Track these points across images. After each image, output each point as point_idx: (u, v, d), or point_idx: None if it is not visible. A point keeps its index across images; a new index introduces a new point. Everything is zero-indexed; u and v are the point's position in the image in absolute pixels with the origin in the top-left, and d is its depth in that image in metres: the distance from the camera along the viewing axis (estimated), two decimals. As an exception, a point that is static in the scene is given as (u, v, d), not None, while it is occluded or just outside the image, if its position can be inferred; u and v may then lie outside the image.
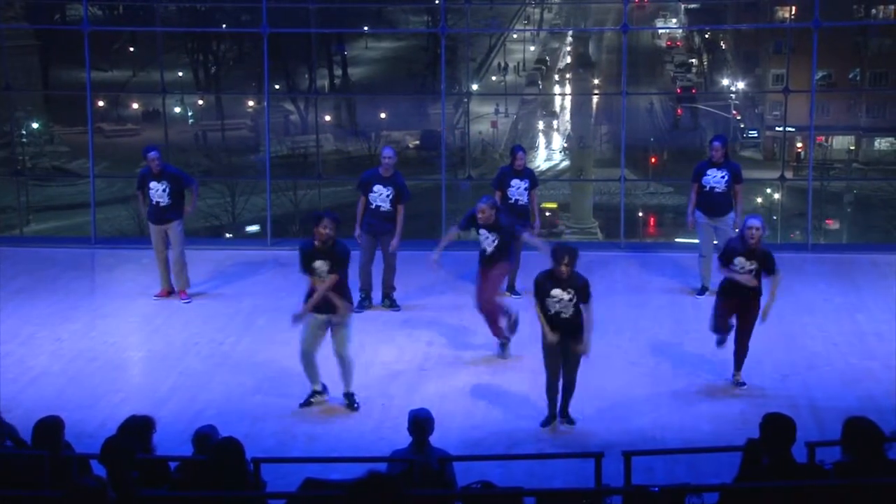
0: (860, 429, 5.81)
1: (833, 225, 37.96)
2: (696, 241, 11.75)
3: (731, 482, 6.05)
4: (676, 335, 10.45)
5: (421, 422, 6.95)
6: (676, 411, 8.96)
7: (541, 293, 8.52)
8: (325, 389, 9.16)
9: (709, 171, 11.24)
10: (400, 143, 42.94)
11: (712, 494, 5.98)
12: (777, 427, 5.88)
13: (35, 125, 40.87)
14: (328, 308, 8.81)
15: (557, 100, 54.56)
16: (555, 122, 52.13)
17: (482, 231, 9.92)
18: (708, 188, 11.24)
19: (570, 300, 8.47)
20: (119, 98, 45.97)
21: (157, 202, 11.49)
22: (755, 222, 9.03)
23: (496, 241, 9.90)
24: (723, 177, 11.22)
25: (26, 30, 36.48)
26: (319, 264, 8.73)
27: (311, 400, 9.12)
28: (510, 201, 11.40)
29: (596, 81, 51.04)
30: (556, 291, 8.47)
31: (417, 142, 45.00)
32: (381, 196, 11.05)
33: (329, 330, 8.93)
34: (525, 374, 9.64)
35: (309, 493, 6.33)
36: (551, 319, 8.50)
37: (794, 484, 5.74)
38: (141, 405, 8.44)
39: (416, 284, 11.72)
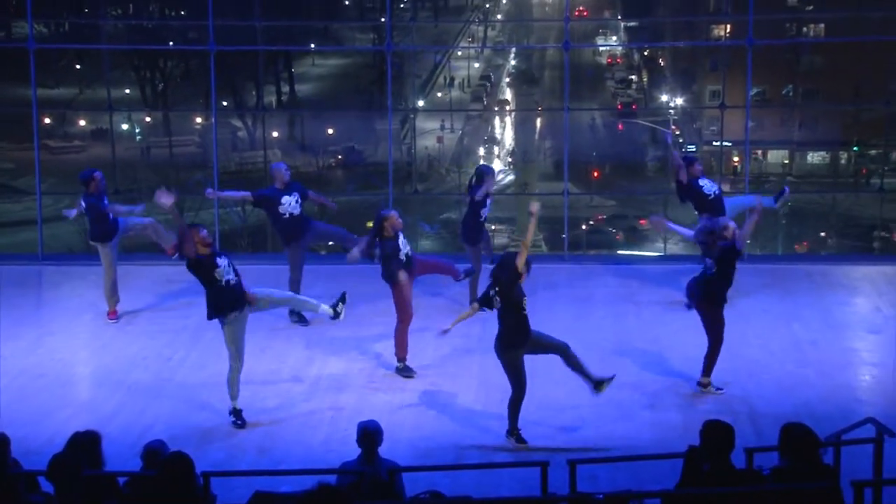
0: (796, 434, 5.98)
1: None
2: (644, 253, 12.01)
3: (673, 488, 6.21)
4: (619, 345, 10.63)
5: (370, 433, 7.01)
6: (619, 420, 9.13)
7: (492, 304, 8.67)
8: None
9: (702, 182, 11.61)
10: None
11: (654, 501, 6.13)
12: (717, 434, 6.04)
13: (-21, 142, 40.24)
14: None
15: (498, 125, 54.87)
16: (496, 149, 52.35)
17: (401, 241, 10.08)
18: (713, 196, 11.62)
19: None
20: (65, 115, 45.38)
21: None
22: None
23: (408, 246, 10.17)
24: (713, 183, 11.82)
25: (-30, 47, 35.97)
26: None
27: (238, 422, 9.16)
28: (481, 219, 11.55)
29: (539, 109, 51.39)
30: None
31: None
32: (290, 204, 11.29)
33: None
34: (473, 385, 9.76)
35: (259, 506, 6.36)
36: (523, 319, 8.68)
37: (733, 490, 5.90)
38: (89, 421, 8.40)
39: (362, 297, 11.75)
